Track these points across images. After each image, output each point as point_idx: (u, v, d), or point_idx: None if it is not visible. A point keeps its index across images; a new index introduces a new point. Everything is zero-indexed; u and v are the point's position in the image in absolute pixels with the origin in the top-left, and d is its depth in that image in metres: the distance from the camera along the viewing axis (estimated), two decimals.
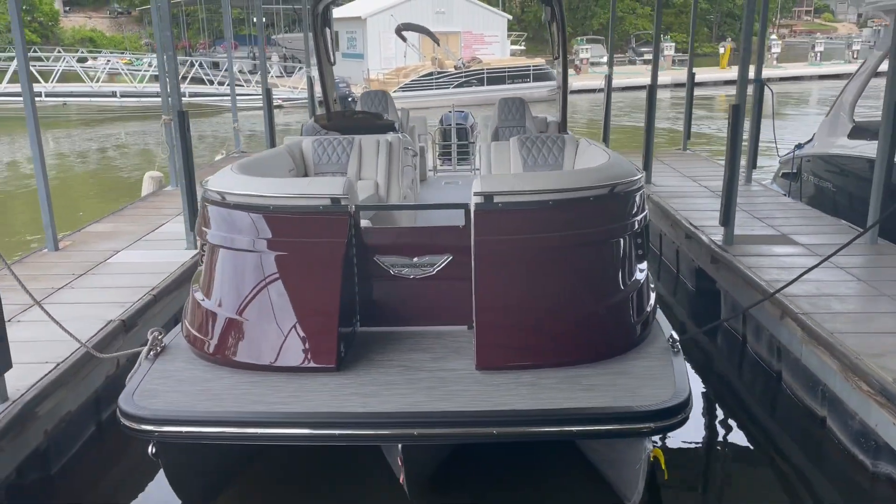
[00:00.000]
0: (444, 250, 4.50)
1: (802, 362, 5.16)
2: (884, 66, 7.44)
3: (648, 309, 4.47)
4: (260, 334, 4.13)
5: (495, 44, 34.04)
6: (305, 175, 6.75)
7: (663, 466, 3.54)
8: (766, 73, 39.12)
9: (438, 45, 26.08)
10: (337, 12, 37.64)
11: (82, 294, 5.90)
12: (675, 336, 4.20)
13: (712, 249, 6.81)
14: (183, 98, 25.97)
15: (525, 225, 4.35)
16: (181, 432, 3.59)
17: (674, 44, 41.28)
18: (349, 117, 8.03)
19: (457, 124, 11.49)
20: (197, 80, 30.70)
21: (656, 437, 4.51)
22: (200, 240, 4.90)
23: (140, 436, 3.67)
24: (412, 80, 26.89)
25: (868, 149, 8.06)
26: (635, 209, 4.67)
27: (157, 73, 31.19)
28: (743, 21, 6.73)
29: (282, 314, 4.16)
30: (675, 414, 3.52)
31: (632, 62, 47.54)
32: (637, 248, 4.71)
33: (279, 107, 30.33)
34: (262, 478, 4.55)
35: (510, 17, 35.71)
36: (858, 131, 8.50)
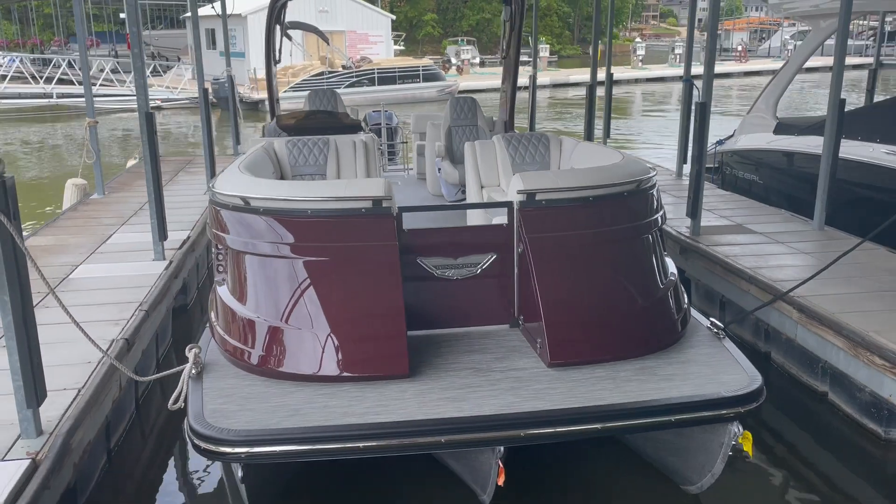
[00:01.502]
0: (485, 249, 4.50)
1: (798, 342, 5.55)
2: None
3: (685, 298, 4.67)
4: (321, 344, 3.97)
5: (380, 44, 33.87)
6: (282, 178, 6.53)
7: (747, 448, 3.70)
8: (635, 73, 40.92)
9: (329, 44, 25.72)
10: (213, 9, 36.16)
11: (61, 314, 5.39)
12: (719, 323, 4.42)
13: (682, 240, 7.16)
14: (50, 100, 24.03)
15: (571, 221, 4.44)
16: (276, 452, 3.40)
17: (548, 46, 42.70)
18: (313, 118, 7.81)
19: (385, 124, 11.42)
20: (64, 81, 28.61)
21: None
22: (219, 246, 4.66)
23: (226, 459, 3.45)
24: (303, 80, 26.33)
25: (796, 143, 8.76)
26: (657, 204, 4.87)
27: (17, 74, 28.94)
28: (709, 23, 7.10)
29: (343, 322, 4.02)
30: (759, 396, 3.72)
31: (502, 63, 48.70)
32: (663, 241, 4.91)
33: (158, 108, 28.81)
34: (321, 488, 4.38)
35: (394, 18, 35.70)
36: (783, 127, 9.20)
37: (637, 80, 39.66)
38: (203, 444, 3.43)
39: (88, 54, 12.02)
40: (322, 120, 7.78)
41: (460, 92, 30.22)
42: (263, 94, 27.88)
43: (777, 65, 42.02)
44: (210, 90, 28.26)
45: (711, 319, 4.50)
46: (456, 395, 3.74)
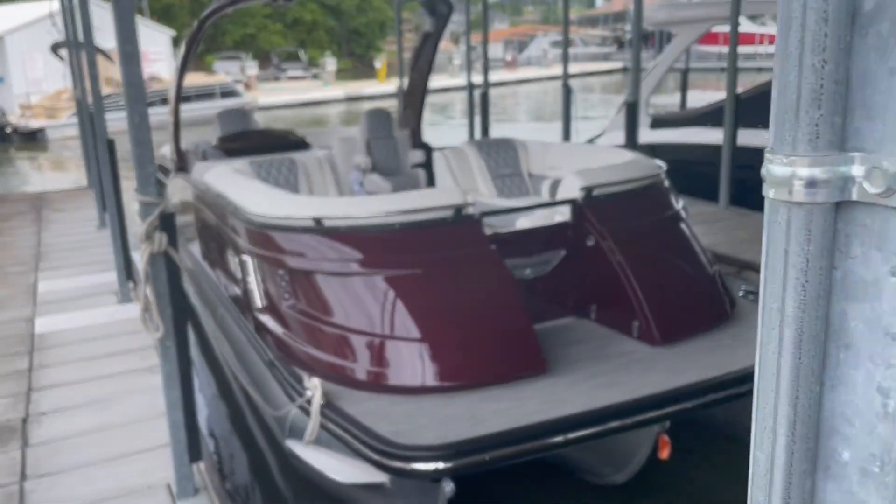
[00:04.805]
0: (554, 246, 4.73)
1: None
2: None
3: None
4: (457, 353, 3.95)
5: (161, 61, 31.78)
6: None
7: None
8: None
9: (114, 62, 23.77)
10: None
11: (75, 373, 4.73)
12: (751, 289, 5.03)
13: None
14: None
15: (630, 212, 4.81)
16: (488, 459, 3.36)
17: (335, 59, 42.76)
18: (257, 139, 7.42)
19: None
20: None
21: None
22: (280, 271, 4.42)
23: (441, 474, 3.34)
24: None
25: (674, 135, 9.87)
26: (676, 193, 5.40)
27: None
28: (634, 36, 7.81)
29: (475, 329, 4.03)
30: None
31: (277, 78, 47.89)
32: None
33: None
34: None
35: (175, 34, 33.62)
36: (658, 122, 10.29)
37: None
38: (410, 466, 3.30)
39: None
40: (269, 140, 7.42)
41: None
42: (42, 122, 25.17)
43: (542, 72, 45.67)
44: None
45: (742, 287, 5.09)
46: (605, 381, 3.91)
